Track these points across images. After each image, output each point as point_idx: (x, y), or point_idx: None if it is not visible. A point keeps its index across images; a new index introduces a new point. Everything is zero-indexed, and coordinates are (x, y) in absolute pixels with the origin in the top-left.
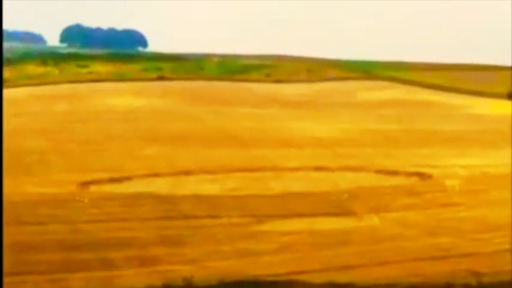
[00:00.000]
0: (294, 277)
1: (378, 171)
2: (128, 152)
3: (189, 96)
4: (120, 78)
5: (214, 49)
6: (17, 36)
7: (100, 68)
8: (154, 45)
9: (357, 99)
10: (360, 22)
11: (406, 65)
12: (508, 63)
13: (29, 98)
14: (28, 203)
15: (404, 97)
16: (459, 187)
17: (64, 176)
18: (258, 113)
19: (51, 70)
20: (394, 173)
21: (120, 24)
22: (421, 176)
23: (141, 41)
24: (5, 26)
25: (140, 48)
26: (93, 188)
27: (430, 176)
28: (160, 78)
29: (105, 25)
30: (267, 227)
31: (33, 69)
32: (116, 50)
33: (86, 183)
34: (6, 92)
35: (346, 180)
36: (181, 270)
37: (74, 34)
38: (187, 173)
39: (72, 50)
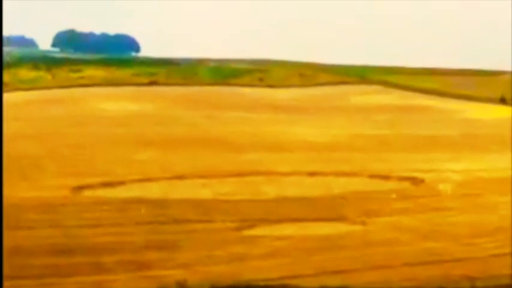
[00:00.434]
0: (286, 281)
1: (371, 176)
2: (121, 157)
3: (181, 101)
4: (113, 83)
5: (207, 54)
6: (9, 40)
7: (93, 72)
8: (147, 50)
9: (350, 104)
10: (353, 26)
11: (399, 69)
12: (500, 68)
13: (21, 103)
14: (21, 207)
15: (396, 102)
16: (452, 191)
17: (57, 180)
18: (251, 117)
19: (44, 75)
20: (386, 177)
21: (112, 29)
22: (413, 180)
23: (134, 45)
24: None
25: (133, 53)
26: (86, 193)
27: (422, 181)
28: (153, 83)
29: (97, 30)
30: (259, 231)
31: (25, 73)
32: (109, 55)
33: (79, 188)
34: None
35: (339, 185)
36: (174, 275)
37: (67, 39)
38: (179, 177)
39: (64, 54)
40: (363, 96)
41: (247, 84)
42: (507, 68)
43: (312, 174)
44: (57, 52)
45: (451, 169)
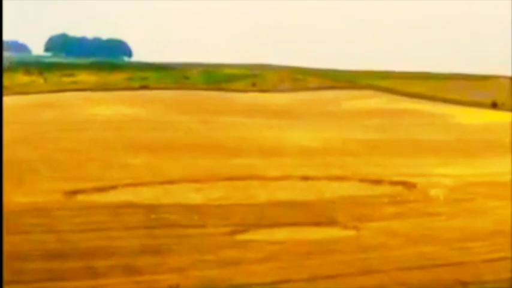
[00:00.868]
0: (279, 286)
1: (362, 180)
2: (113, 161)
3: (174, 106)
4: (105, 87)
5: (199, 58)
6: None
7: (85, 77)
8: (139, 55)
9: (342, 109)
10: (344, 31)
11: (390, 74)
12: (491, 73)
13: (14, 107)
14: (14, 212)
15: (388, 106)
16: (443, 196)
17: (50, 185)
18: (243, 122)
19: (36, 79)
20: (378, 182)
21: (105, 34)
22: (405, 185)
23: (126, 50)
24: None
25: (125, 58)
26: (79, 197)
27: (414, 185)
28: (145, 87)
29: (90, 34)
30: (252, 236)
31: (18, 78)
32: (101, 60)
33: (72, 192)
34: None
35: (331, 190)
36: (167, 279)
37: (59, 43)
38: (172, 182)
39: (57, 59)
40: (355, 100)
41: (240, 89)
42: (498, 72)
43: (304, 178)
44: (49, 57)
45: (443, 174)
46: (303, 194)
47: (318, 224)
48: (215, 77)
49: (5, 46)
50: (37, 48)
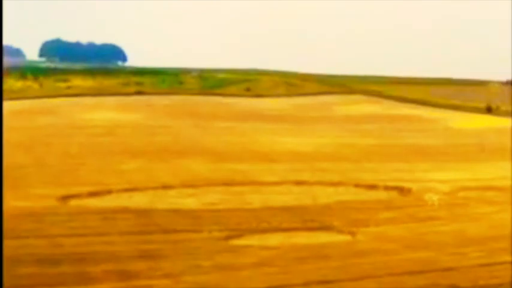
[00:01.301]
0: None
1: (357, 186)
2: (107, 166)
3: (168, 111)
4: (100, 92)
5: (193, 63)
6: None
7: (80, 82)
8: (134, 60)
9: (336, 114)
10: (339, 37)
11: (384, 79)
12: (485, 78)
13: (8, 113)
14: (8, 217)
15: (383, 111)
16: (438, 201)
17: (44, 190)
18: (237, 127)
19: (31, 84)
20: (373, 187)
21: (99, 39)
22: (400, 190)
23: (121, 55)
24: None
25: (120, 63)
26: (73, 202)
27: (409, 190)
28: (140, 92)
29: (84, 40)
30: (246, 241)
31: (12, 83)
32: (96, 65)
33: (66, 197)
34: None
35: (326, 195)
36: (161, 285)
37: (54, 48)
38: (166, 187)
39: (51, 64)
40: (349, 105)
41: (234, 94)
42: (493, 78)
43: (299, 183)
44: (44, 62)
45: (438, 179)
46: (298, 199)
47: (312, 229)
48: (209, 82)
49: None
50: (31, 54)
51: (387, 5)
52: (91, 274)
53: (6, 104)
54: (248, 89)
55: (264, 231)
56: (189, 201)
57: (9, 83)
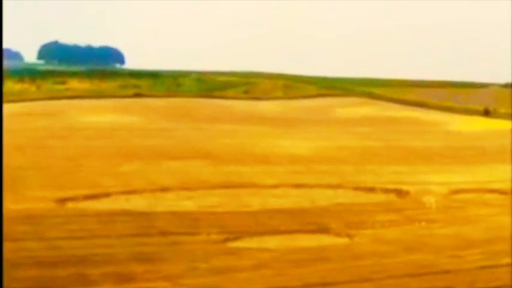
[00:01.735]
0: None
1: (356, 188)
2: (105, 169)
3: (166, 113)
4: (98, 95)
5: (191, 66)
6: None
7: (77, 85)
8: (132, 62)
9: (334, 116)
10: (338, 39)
11: (383, 81)
12: (483, 80)
13: (6, 115)
14: (5, 219)
15: (381, 114)
16: (436, 204)
17: (41, 192)
18: (235, 129)
19: (29, 87)
20: (371, 189)
21: (97, 41)
22: (398, 192)
23: (119, 57)
24: None
25: (117, 65)
26: (71, 205)
27: (407, 193)
28: (138, 95)
29: (82, 42)
30: (245, 243)
31: (10, 86)
32: (93, 67)
33: (63, 200)
34: None
35: (324, 197)
36: (159, 287)
37: (52, 51)
38: (164, 189)
39: (49, 67)
40: (348, 108)
41: (232, 97)
42: (491, 81)
43: (297, 186)
44: (42, 64)
45: (436, 181)
46: (296, 202)
47: (311, 231)
48: (208, 85)
49: None
50: (30, 56)
51: (386, 5)
52: (89, 277)
53: (4, 107)
54: (246, 92)
55: (263, 233)
56: (187, 203)
57: (8, 85)
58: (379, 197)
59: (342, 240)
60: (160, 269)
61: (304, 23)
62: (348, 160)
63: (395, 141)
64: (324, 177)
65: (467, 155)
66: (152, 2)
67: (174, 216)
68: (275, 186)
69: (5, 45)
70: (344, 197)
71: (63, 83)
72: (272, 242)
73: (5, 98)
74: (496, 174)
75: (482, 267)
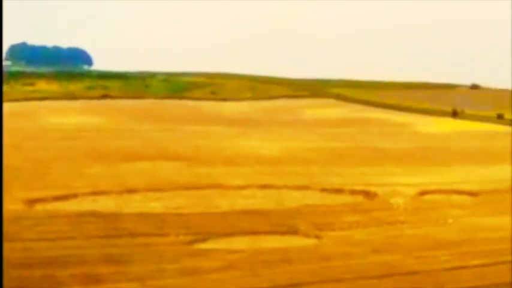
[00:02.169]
0: None
1: (323, 190)
2: (73, 170)
3: (134, 114)
4: (66, 96)
5: (159, 67)
6: None
7: (45, 86)
8: (100, 64)
9: (303, 117)
10: (306, 40)
11: (351, 83)
12: (452, 82)
13: None
14: None
15: (349, 115)
16: (405, 205)
17: (10, 193)
18: (203, 130)
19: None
20: (339, 191)
21: (65, 43)
22: (366, 194)
23: (86, 59)
24: None
25: (85, 67)
26: (39, 206)
27: (375, 194)
28: (106, 96)
29: (50, 43)
30: (213, 245)
31: None
32: (61, 68)
33: (32, 201)
34: None
35: (292, 198)
36: None
37: (19, 52)
38: (132, 191)
39: (17, 68)
40: (316, 109)
41: (200, 98)
42: (459, 82)
43: (265, 187)
44: (9, 66)
45: (404, 183)
46: (264, 203)
47: (279, 232)
48: (175, 86)
49: None
50: None
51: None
52: (58, 278)
53: None
54: (213, 92)
55: (231, 234)
56: (155, 204)
57: None
58: (347, 199)
59: (311, 241)
60: (128, 270)
61: (271, 25)
62: (316, 161)
63: (364, 142)
64: (292, 178)
65: (435, 157)
66: (122, 3)
67: (142, 217)
68: (243, 187)
69: None
70: (312, 198)
71: (31, 84)
72: (241, 243)
73: None
74: (464, 176)
75: (451, 269)
